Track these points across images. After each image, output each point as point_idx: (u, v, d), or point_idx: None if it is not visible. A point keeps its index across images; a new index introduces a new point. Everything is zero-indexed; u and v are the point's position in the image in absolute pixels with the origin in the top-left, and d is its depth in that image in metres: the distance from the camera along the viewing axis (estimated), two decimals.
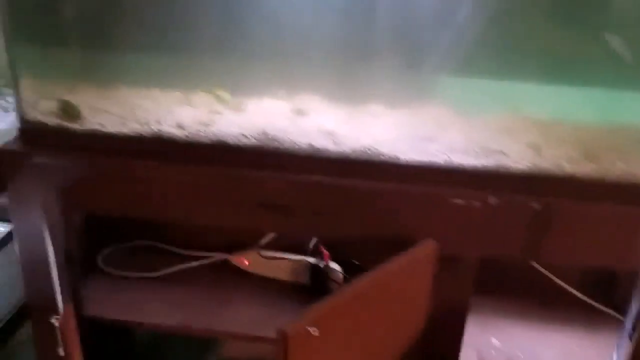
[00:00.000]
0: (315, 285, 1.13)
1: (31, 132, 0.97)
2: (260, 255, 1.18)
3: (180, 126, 0.96)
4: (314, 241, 1.16)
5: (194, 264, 1.20)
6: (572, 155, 0.90)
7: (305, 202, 0.93)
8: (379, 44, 1.02)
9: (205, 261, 1.20)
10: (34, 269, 1.01)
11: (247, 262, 1.17)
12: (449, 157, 0.92)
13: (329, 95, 1.04)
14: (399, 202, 0.92)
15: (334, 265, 1.13)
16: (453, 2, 0.94)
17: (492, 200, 0.88)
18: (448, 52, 0.97)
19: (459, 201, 0.89)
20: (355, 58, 1.04)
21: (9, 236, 1.17)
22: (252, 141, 0.95)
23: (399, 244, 0.96)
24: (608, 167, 0.88)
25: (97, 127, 0.96)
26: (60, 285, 1.01)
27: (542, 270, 1.15)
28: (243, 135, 0.95)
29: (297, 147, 0.94)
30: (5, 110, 1.03)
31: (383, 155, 0.93)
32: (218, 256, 1.21)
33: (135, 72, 1.06)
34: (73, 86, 1.04)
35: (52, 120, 0.97)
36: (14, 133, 0.99)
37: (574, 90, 0.98)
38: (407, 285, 0.91)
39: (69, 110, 0.96)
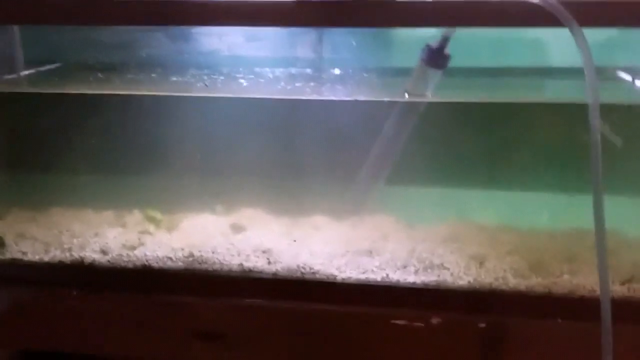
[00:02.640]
0: None
1: None
2: None
3: (103, 251, 0.91)
4: None
5: None
6: (517, 267, 0.83)
7: (235, 328, 0.86)
8: (317, 155, 0.99)
9: None
10: None
11: None
12: (387, 274, 0.85)
13: (270, 209, 1.00)
14: (337, 326, 0.84)
15: None
16: (389, 113, 0.92)
17: (435, 320, 0.81)
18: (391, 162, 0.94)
19: (400, 322, 0.82)
20: (294, 171, 1.01)
21: None
22: (178, 264, 0.89)
23: None
24: (554, 280, 0.80)
25: (18, 255, 0.91)
26: None
27: None
28: (168, 258, 0.89)
29: (227, 268, 0.88)
30: None
31: (318, 274, 0.86)
32: None
33: (67, 193, 1.03)
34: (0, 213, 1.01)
35: None
36: None
37: (519, 195, 0.93)
38: None
39: None
